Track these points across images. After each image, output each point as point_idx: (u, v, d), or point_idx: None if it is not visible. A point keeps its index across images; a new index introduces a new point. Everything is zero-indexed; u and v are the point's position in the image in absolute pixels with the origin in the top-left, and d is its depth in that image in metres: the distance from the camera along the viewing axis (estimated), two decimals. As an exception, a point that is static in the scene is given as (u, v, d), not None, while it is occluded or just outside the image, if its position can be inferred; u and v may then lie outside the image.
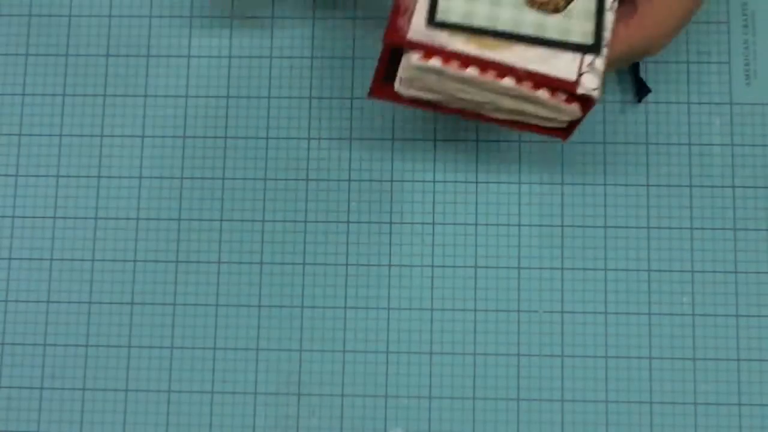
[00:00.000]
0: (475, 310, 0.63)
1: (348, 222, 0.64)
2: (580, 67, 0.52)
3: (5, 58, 0.67)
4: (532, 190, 0.64)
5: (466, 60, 0.52)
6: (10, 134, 0.66)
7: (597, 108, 0.65)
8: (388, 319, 0.63)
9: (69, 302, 0.64)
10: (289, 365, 0.63)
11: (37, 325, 0.64)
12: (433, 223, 0.64)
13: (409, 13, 0.52)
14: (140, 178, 0.65)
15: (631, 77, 0.65)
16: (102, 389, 0.63)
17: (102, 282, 0.64)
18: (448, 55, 0.52)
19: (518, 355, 0.62)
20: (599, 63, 0.53)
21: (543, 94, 0.52)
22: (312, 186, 0.65)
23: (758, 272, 0.63)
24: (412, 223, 0.64)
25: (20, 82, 0.66)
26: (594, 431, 0.61)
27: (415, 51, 0.52)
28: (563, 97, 0.53)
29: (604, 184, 0.64)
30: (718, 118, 0.64)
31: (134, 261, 0.64)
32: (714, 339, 0.62)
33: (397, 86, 0.55)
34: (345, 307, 0.63)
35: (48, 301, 0.64)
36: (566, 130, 0.56)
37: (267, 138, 0.65)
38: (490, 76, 0.52)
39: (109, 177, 0.65)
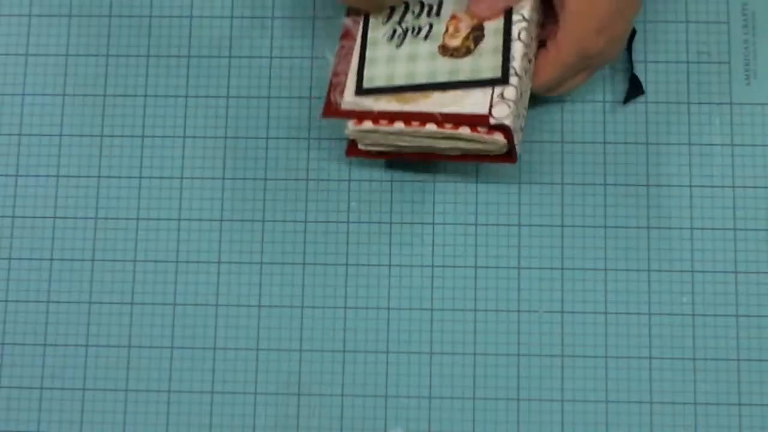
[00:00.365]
0: (475, 310, 0.63)
1: (348, 222, 0.64)
2: (491, 100, 0.57)
3: (5, 58, 0.67)
4: (532, 190, 0.64)
5: (391, 116, 0.59)
6: (10, 134, 0.66)
7: (597, 108, 0.65)
8: (388, 319, 0.63)
9: (69, 302, 0.64)
10: (289, 365, 0.63)
11: (37, 325, 0.64)
12: (433, 223, 0.64)
13: (341, 87, 0.60)
14: (140, 178, 0.65)
15: (626, 76, 0.65)
16: (102, 389, 0.63)
17: (102, 282, 0.64)
18: (376, 116, 0.59)
19: (518, 355, 0.62)
20: (509, 92, 0.57)
21: (464, 130, 0.57)
22: (312, 186, 0.65)
23: (758, 272, 0.63)
24: (412, 223, 0.64)
25: (20, 82, 0.66)
26: (594, 431, 0.61)
27: (350, 118, 0.60)
28: (484, 129, 0.57)
29: (604, 184, 0.64)
30: (718, 118, 0.64)
31: (134, 261, 0.64)
32: (714, 339, 0.62)
33: (359, 144, 0.61)
34: (345, 307, 0.63)
35: (48, 301, 0.64)
36: (510, 155, 0.59)
37: (267, 138, 0.65)
38: (415, 126, 0.58)
39: (109, 177, 0.65)
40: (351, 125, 0.60)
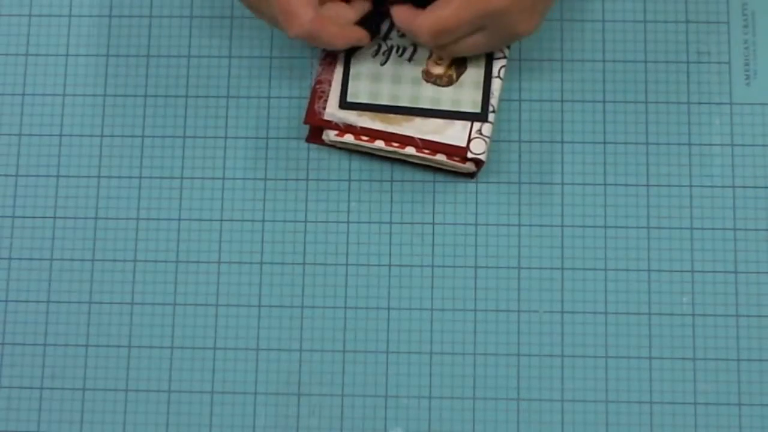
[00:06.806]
0: (475, 310, 0.63)
1: (348, 222, 0.64)
2: (470, 134, 0.61)
3: (5, 58, 0.67)
4: (532, 190, 0.64)
5: (373, 134, 0.61)
6: (10, 134, 0.66)
7: (597, 107, 0.65)
8: (388, 319, 0.63)
9: (69, 302, 0.64)
10: (289, 365, 0.63)
11: (37, 325, 0.64)
12: (433, 223, 0.64)
13: (325, 97, 0.62)
14: (140, 178, 0.65)
15: None
16: (102, 389, 0.63)
17: (102, 282, 0.64)
18: (358, 132, 0.61)
19: (518, 355, 0.62)
20: (486, 129, 0.61)
21: (440, 157, 0.61)
22: (312, 186, 0.65)
23: (758, 272, 0.63)
24: (412, 223, 0.64)
25: (20, 82, 0.66)
26: (594, 431, 0.61)
27: (331, 129, 0.62)
28: (458, 158, 0.61)
29: (604, 184, 0.64)
30: (718, 118, 0.64)
31: (134, 261, 0.64)
32: (714, 339, 0.62)
33: (327, 141, 0.63)
34: (345, 307, 0.63)
35: (48, 301, 0.64)
36: (472, 174, 0.63)
37: (267, 138, 0.65)
38: (395, 146, 0.61)
39: (109, 177, 0.65)
40: (332, 134, 0.62)
